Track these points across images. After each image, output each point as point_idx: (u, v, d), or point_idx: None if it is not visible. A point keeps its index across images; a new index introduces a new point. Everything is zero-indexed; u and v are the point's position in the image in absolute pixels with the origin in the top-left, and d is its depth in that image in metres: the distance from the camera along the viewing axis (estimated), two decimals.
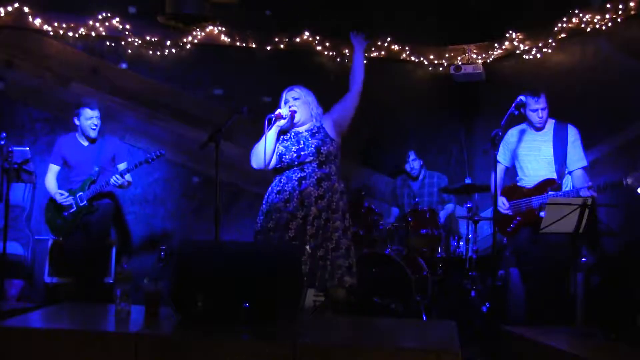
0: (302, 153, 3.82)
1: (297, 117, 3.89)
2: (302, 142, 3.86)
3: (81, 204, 4.87)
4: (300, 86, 4.05)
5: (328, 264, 3.68)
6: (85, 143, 5.01)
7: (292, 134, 3.93)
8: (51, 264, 5.37)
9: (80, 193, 4.88)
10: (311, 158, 3.80)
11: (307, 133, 3.88)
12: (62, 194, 4.90)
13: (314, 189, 3.76)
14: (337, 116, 3.95)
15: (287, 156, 3.85)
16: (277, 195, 3.82)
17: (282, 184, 3.85)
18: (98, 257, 4.98)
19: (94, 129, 4.93)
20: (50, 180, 5.06)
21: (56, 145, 5.11)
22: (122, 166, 5.00)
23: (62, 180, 5.16)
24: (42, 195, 5.84)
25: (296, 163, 3.83)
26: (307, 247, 3.68)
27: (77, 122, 4.96)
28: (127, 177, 4.90)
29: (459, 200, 6.16)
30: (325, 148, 3.83)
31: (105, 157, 4.98)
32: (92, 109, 4.91)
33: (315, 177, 3.78)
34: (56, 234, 5.06)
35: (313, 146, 3.81)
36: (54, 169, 5.10)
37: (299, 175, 3.81)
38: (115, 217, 5.24)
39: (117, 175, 4.80)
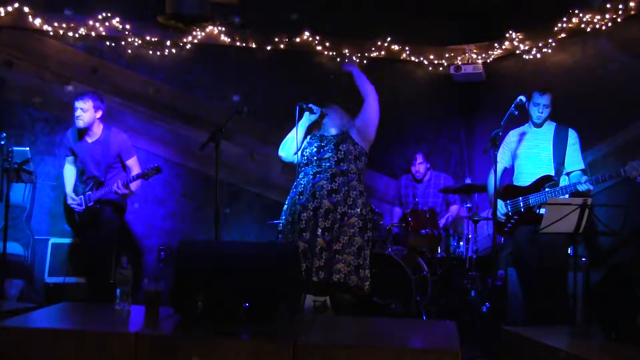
0: (322, 150, 3.99)
1: (327, 119, 4.10)
2: (324, 142, 4.05)
3: (89, 204, 4.86)
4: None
5: (342, 258, 3.72)
6: (89, 140, 4.89)
7: (319, 135, 4.13)
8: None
9: (89, 192, 4.86)
10: (329, 154, 3.96)
11: (332, 137, 4.07)
12: (73, 199, 4.91)
13: (326, 182, 3.87)
14: (359, 123, 4.10)
15: (307, 150, 4.03)
16: (294, 190, 3.99)
17: (299, 179, 4.01)
18: (108, 257, 4.97)
19: (78, 119, 4.77)
20: (68, 175, 5.05)
21: (65, 137, 5.10)
22: (132, 161, 4.93)
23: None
24: (42, 195, 5.85)
25: (315, 158, 3.98)
26: (321, 239, 3.72)
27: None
28: (135, 184, 4.82)
29: (459, 200, 6.15)
30: (344, 146, 3.98)
31: (111, 154, 4.86)
32: (77, 99, 4.78)
33: (330, 172, 3.91)
34: (72, 228, 5.17)
35: (332, 143, 3.99)
36: (69, 160, 5.09)
37: (315, 170, 3.95)
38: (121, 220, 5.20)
39: (119, 184, 4.72)
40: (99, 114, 4.86)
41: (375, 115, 4.10)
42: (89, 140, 4.91)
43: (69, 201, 4.92)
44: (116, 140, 4.91)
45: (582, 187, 4.07)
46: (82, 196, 4.89)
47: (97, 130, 4.89)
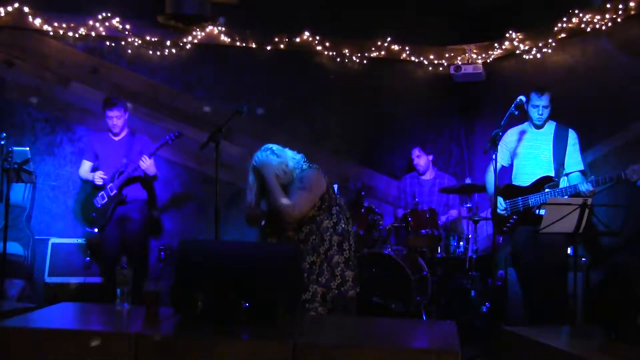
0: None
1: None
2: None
3: (112, 194, 5.06)
4: (261, 157, 3.62)
5: (312, 307, 3.52)
6: (116, 138, 5.24)
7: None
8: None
9: (110, 185, 5.07)
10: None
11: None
12: (101, 177, 5.09)
13: (293, 233, 3.64)
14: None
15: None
16: (264, 231, 3.78)
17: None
18: (135, 256, 5.01)
19: (114, 126, 5.17)
20: (83, 170, 5.29)
21: (89, 142, 5.40)
22: (149, 161, 5.11)
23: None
24: (42, 195, 5.86)
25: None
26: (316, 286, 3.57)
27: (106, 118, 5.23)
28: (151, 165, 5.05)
29: (459, 200, 6.15)
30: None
31: (135, 152, 5.14)
32: (109, 109, 5.13)
33: (297, 223, 3.62)
34: (92, 226, 5.22)
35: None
36: (85, 165, 5.32)
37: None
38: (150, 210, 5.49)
39: (145, 157, 4.96)
40: (127, 115, 5.28)
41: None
42: (115, 138, 5.25)
43: (97, 177, 5.08)
44: (140, 139, 5.30)
45: (583, 188, 4.07)
46: (102, 192, 5.10)
47: (124, 129, 5.27)
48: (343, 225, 3.67)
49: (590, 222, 3.79)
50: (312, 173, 3.61)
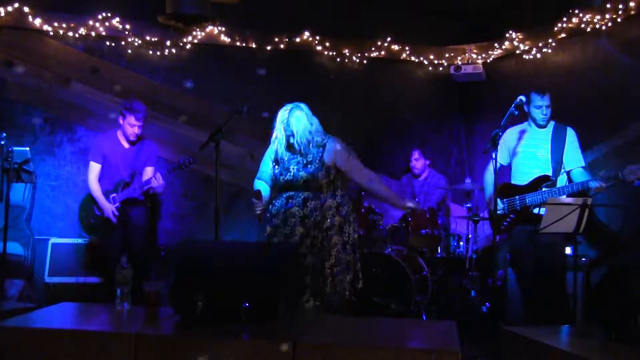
0: (292, 183, 3.81)
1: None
2: (292, 174, 3.82)
3: (113, 205, 4.90)
4: (301, 111, 4.01)
5: (329, 280, 3.66)
6: (127, 145, 5.02)
7: (287, 159, 3.88)
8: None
9: (113, 194, 4.92)
10: (300, 187, 3.80)
11: (298, 165, 3.83)
12: (108, 203, 4.92)
13: (298, 209, 3.74)
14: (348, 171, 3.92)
15: (280, 179, 3.87)
16: (270, 210, 3.86)
17: (275, 200, 3.88)
18: (138, 260, 4.97)
19: (134, 134, 4.95)
20: (93, 181, 5.01)
21: (97, 143, 5.11)
22: (150, 170, 5.00)
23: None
24: (42, 195, 5.85)
25: (286, 182, 3.84)
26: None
27: (120, 122, 4.96)
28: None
29: (459, 200, 6.15)
30: (314, 180, 3.77)
31: (141, 160, 5.02)
32: (137, 118, 4.90)
33: (302, 197, 3.77)
34: (89, 233, 5.14)
35: (302, 179, 3.78)
36: (95, 168, 5.03)
37: (288, 194, 3.83)
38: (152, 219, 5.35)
39: (158, 175, 4.80)
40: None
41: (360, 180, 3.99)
42: (126, 145, 5.03)
43: (106, 206, 4.90)
44: (149, 148, 5.11)
45: (593, 184, 4.05)
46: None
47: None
48: (347, 209, 3.83)
49: (594, 221, 3.78)
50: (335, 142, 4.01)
